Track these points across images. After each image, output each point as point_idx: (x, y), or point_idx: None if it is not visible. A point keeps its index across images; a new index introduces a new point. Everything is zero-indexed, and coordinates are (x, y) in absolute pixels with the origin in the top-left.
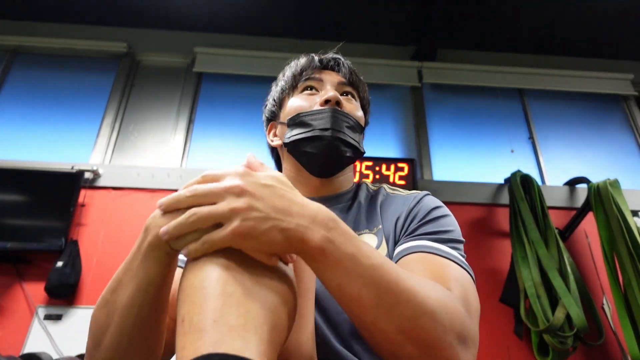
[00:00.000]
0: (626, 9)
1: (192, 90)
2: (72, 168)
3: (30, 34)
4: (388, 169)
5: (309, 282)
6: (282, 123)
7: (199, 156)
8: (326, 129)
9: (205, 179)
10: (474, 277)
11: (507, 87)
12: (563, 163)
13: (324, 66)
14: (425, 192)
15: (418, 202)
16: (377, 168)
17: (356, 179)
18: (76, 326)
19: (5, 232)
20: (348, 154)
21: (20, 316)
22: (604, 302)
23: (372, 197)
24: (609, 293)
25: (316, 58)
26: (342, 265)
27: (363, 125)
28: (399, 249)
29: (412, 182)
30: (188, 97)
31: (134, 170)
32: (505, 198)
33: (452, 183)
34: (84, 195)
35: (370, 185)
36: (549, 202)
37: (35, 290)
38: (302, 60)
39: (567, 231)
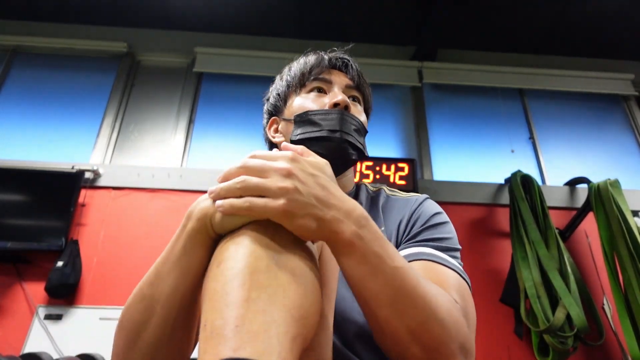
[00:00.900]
0: (626, 9)
1: (193, 90)
2: (73, 168)
3: (30, 34)
4: (388, 169)
5: (332, 284)
6: (286, 120)
7: (199, 156)
8: (335, 131)
9: (255, 156)
10: (470, 285)
11: (508, 87)
12: (563, 163)
13: (333, 66)
14: (425, 195)
15: (419, 205)
16: (378, 168)
17: (356, 179)
18: (76, 326)
19: (6, 232)
20: (354, 157)
21: (20, 316)
22: (605, 302)
23: (373, 198)
24: (610, 293)
25: (326, 57)
26: (367, 262)
27: (366, 129)
28: (402, 253)
29: (412, 182)
30: (188, 97)
31: (134, 170)
32: (505, 198)
33: (453, 183)
34: (84, 195)
35: (370, 187)
36: (549, 202)
37: (36, 290)
38: (312, 58)
39: (568, 231)
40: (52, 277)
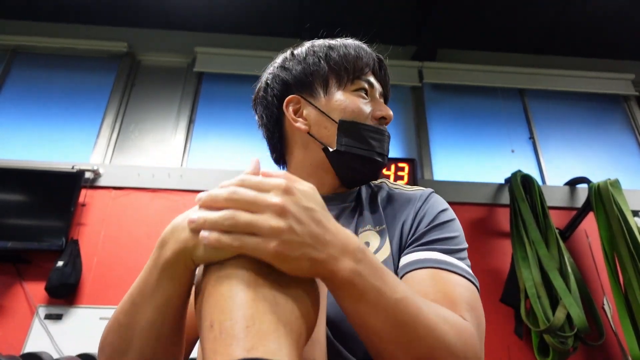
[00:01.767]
0: (626, 9)
1: (193, 90)
2: (73, 168)
3: (30, 34)
4: (388, 168)
5: (322, 292)
6: (321, 111)
7: (199, 156)
8: (383, 155)
9: (245, 184)
10: (479, 288)
11: (508, 87)
12: (563, 163)
13: (375, 70)
14: (430, 190)
15: (424, 202)
16: None
17: None
18: (76, 326)
19: (6, 232)
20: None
21: (20, 316)
22: (605, 302)
23: (375, 193)
24: (610, 293)
25: (375, 59)
26: (366, 298)
27: None
28: (408, 258)
29: (412, 182)
30: (188, 97)
31: (135, 170)
32: (505, 198)
33: (453, 183)
34: (85, 195)
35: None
36: (549, 202)
37: (36, 289)
38: (362, 52)
39: (568, 231)
40: (53, 277)
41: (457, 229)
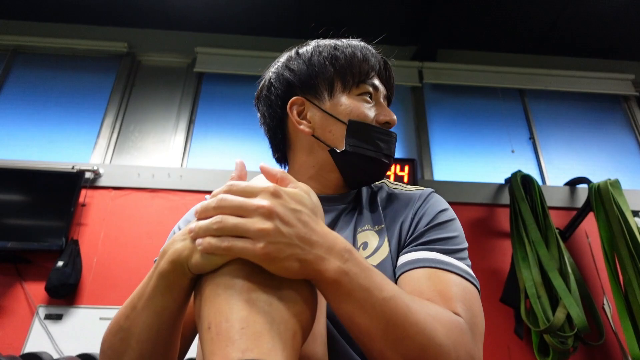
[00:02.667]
0: (626, 9)
1: (193, 90)
2: (73, 168)
3: (30, 34)
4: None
5: (322, 304)
6: (327, 113)
7: (199, 156)
8: (389, 156)
9: (232, 191)
10: (479, 288)
11: (508, 87)
12: (563, 163)
13: (380, 72)
14: (430, 189)
15: (424, 202)
16: None
17: None
18: (77, 326)
19: (6, 232)
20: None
21: (20, 316)
22: (605, 302)
23: (374, 193)
24: (610, 293)
25: (382, 63)
26: (354, 297)
27: None
28: (406, 258)
29: (412, 182)
30: (188, 97)
31: (135, 170)
32: (505, 198)
33: (453, 183)
34: (85, 195)
35: None
36: (549, 202)
37: (36, 289)
38: (369, 54)
39: (568, 231)
40: (52, 277)
41: (456, 229)
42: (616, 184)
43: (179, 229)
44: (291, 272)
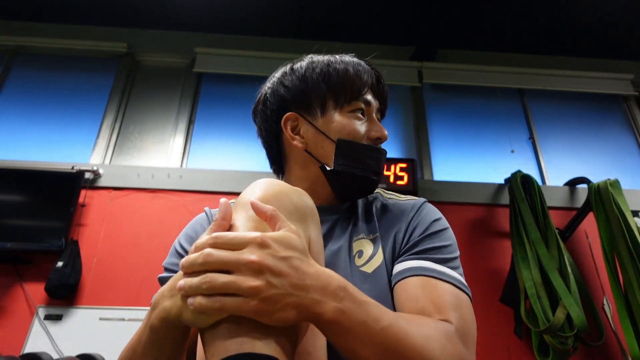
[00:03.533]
0: (626, 9)
1: (192, 91)
2: (73, 168)
3: (30, 34)
4: (388, 169)
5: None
6: (318, 130)
7: (199, 156)
8: (377, 173)
9: (218, 244)
10: (471, 296)
11: (507, 87)
12: (563, 163)
13: (373, 86)
14: (423, 199)
15: (417, 211)
16: None
17: None
18: (76, 326)
19: (6, 232)
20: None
21: (20, 316)
22: (605, 302)
23: (369, 203)
24: (610, 293)
25: (375, 77)
26: (353, 333)
27: None
28: (401, 266)
29: (412, 182)
30: (188, 97)
31: (134, 170)
32: (505, 198)
33: (453, 183)
34: (84, 195)
35: None
36: (549, 202)
37: (36, 290)
38: (361, 71)
39: (568, 231)
40: (52, 278)
41: (449, 238)
42: (616, 184)
43: (180, 245)
44: (289, 321)
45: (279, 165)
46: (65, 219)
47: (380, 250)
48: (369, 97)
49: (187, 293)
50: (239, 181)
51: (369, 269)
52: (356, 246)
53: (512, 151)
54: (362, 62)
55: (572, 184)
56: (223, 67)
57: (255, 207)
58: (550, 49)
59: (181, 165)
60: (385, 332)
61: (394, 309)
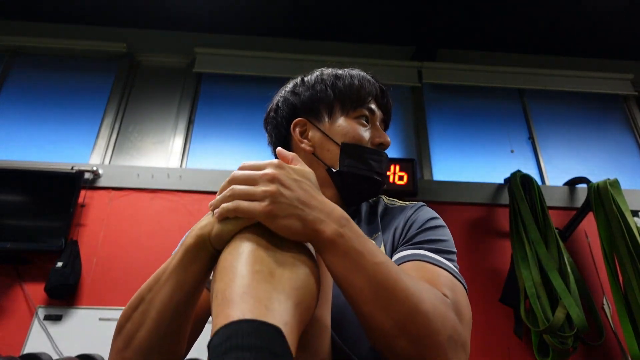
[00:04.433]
0: (626, 9)
1: (192, 91)
2: (72, 168)
3: (30, 34)
4: (388, 169)
5: (328, 292)
6: (325, 135)
7: (198, 157)
8: (381, 174)
9: (243, 167)
10: (466, 288)
11: (507, 87)
12: (563, 163)
13: (377, 98)
14: (421, 203)
15: (415, 211)
16: None
17: None
18: (76, 326)
19: (6, 233)
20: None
21: (20, 316)
22: (604, 302)
23: (372, 207)
24: (609, 293)
25: (379, 90)
26: (348, 258)
27: None
28: (397, 256)
29: (412, 182)
30: (188, 98)
31: (134, 170)
32: (505, 198)
33: (452, 183)
34: (84, 195)
35: None
36: (549, 202)
37: (35, 290)
38: (366, 83)
39: (567, 231)
40: (52, 278)
41: (445, 234)
42: (615, 183)
43: None
44: (292, 231)
45: None
46: (65, 219)
47: (382, 247)
48: (373, 106)
49: (215, 206)
50: None
51: None
52: None
53: (512, 151)
54: (368, 76)
55: (572, 183)
56: (223, 67)
57: (280, 153)
58: (550, 49)
59: (181, 166)
60: (379, 267)
61: None
